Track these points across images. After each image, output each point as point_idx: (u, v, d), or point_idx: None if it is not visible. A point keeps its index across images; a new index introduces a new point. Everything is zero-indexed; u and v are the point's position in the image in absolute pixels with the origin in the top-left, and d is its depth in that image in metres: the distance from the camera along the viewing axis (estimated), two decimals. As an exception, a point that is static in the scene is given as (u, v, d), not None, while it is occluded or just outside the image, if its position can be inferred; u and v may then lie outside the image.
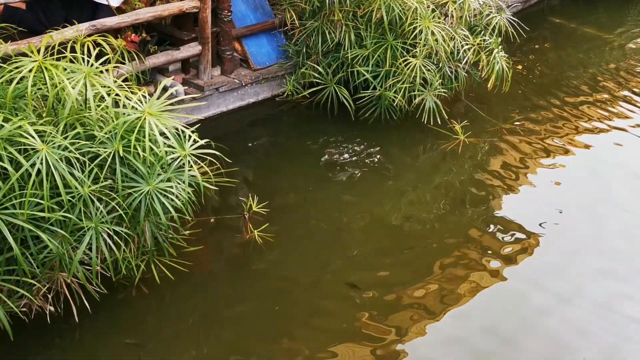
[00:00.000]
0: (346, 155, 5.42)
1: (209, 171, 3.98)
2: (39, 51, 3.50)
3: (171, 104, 3.62)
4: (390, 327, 3.89)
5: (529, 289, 4.18)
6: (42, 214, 3.20)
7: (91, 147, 3.47)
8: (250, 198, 4.67)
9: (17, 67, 3.39)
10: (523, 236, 4.66)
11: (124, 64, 4.17)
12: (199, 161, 3.84)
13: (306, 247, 4.51)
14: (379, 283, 4.15)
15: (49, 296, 3.56)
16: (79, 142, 3.42)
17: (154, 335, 3.80)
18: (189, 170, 3.71)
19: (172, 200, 3.62)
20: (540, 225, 4.75)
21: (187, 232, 4.20)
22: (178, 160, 3.70)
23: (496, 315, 3.96)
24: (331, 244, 4.52)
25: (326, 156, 5.42)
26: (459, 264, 4.37)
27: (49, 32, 4.05)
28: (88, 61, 3.59)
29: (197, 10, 5.33)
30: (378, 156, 5.47)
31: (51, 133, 3.34)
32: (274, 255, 4.42)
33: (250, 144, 5.64)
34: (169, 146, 3.66)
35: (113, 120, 3.53)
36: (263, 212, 4.63)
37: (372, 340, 3.79)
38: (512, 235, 4.66)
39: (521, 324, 3.92)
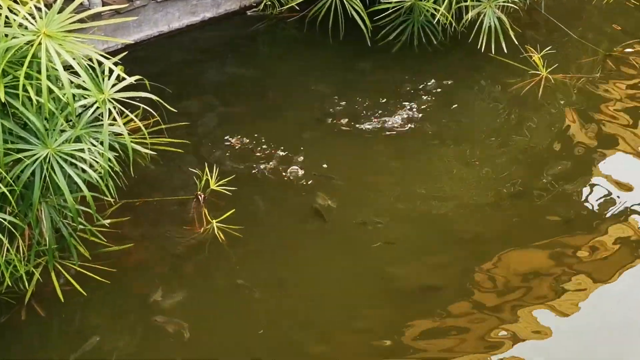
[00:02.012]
0: (359, 108, 5.40)
1: (143, 127, 3.92)
2: None
3: (81, 21, 3.59)
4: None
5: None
6: None
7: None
8: (207, 170, 4.65)
9: None
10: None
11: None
12: (126, 111, 3.79)
13: (295, 252, 4.54)
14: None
15: None
16: None
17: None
18: (111, 125, 3.75)
19: (84, 171, 3.63)
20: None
21: (108, 221, 4.21)
22: (93, 109, 3.70)
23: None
24: (342, 253, 4.54)
25: (329, 109, 5.40)
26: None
27: None
28: None
29: None
30: (409, 108, 5.47)
31: None
32: (244, 261, 4.45)
33: (207, 86, 5.66)
34: (79, 87, 3.64)
35: (-13, 46, 3.44)
36: (226, 193, 4.62)
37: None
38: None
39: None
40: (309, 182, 4.92)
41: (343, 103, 5.53)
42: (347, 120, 5.36)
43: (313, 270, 4.48)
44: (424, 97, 5.61)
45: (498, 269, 4.46)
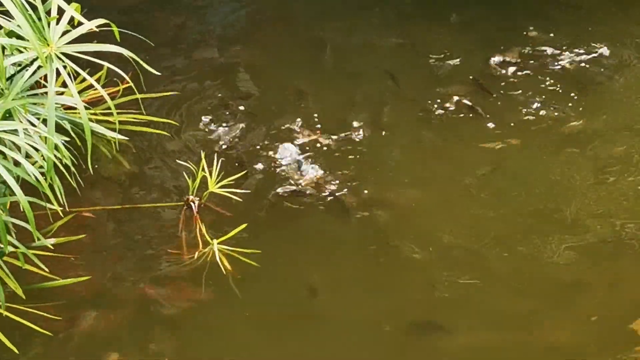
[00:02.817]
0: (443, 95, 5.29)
1: (108, 98, 3.59)
2: None
3: None
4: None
5: None
6: None
7: None
8: (204, 163, 4.39)
9: None
10: None
11: None
12: (82, 72, 3.50)
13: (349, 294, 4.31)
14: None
15: None
16: None
17: None
18: (59, 94, 3.80)
19: (17, 164, 3.46)
20: None
21: (52, 241, 4.01)
22: (33, 68, 3.54)
23: None
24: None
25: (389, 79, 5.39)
26: None
27: None
28: None
29: None
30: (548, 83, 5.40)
31: None
32: (263, 311, 4.19)
33: (210, 30, 5.72)
34: (11, 35, 3.51)
35: None
36: (234, 198, 4.40)
37: None
38: None
39: None
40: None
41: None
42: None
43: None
44: (543, 60, 5.69)
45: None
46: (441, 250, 4.65)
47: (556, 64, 5.71)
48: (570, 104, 5.40)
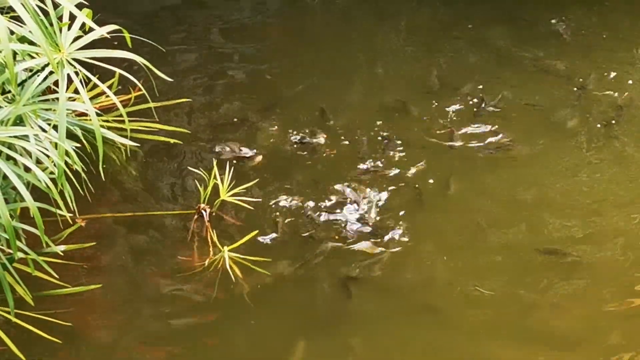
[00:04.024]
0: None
1: (120, 104, 3.62)
2: None
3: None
4: None
5: None
6: None
7: None
8: (216, 171, 4.40)
9: None
10: None
11: None
12: (94, 79, 3.56)
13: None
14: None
15: None
16: None
17: None
18: (70, 100, 3.75)
19: (27, 170, 3.48)
20: None
21: (62, 247, 4.02)
22: (44, 74, 3.55)
23: None
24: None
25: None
26: None
27: None
28: None
29: None
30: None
31: None
32: (274, 319, 4.22)
33: (221, 38, 5.72)
34: (23, 40, 3.52)
35: None
36: (245, 207, 4.41)
37: None
38: None
39: None
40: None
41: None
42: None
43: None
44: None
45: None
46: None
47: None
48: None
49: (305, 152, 5.15)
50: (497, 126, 5.09)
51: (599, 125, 5.33)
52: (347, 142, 5.11)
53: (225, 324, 4.27)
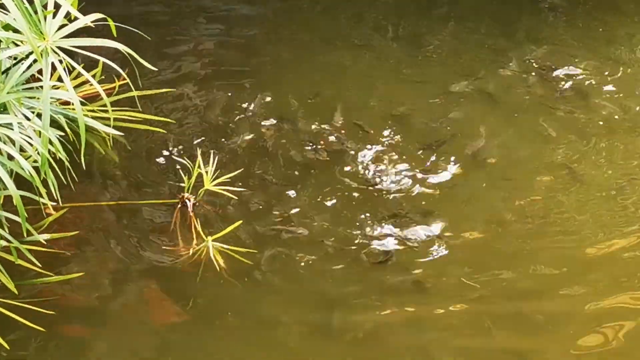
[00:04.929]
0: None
1: (104, 93, 3.59)
2: None
3: None
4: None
5: None
6: None
7: None
8: (200, 161, 4.37)
9: None
10: None
11: None
12: (78, 67, 3.50)
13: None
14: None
15: None
16: None
17: None
18: (54, 88, 3.78)
19: (10, 158, 3.47)
20: None
21: (46, 236, 3.96)
22: (27, 63, 3.54)
23: None
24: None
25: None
26: None
27: None
28: None
29: None
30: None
31: None
32: (257, 306, 4.14)
33: (209, 27, 5.62)
34: (6, 28, 3.52)
35: None
36: (230, 196, 4.39)
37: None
38: None
39: None
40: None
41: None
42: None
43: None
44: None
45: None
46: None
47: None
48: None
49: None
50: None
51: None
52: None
53: (207, 315, 4.22)
